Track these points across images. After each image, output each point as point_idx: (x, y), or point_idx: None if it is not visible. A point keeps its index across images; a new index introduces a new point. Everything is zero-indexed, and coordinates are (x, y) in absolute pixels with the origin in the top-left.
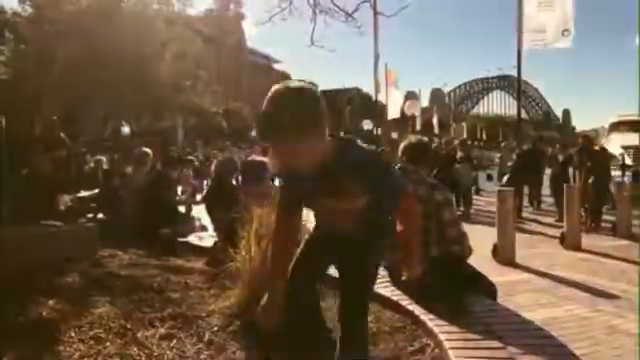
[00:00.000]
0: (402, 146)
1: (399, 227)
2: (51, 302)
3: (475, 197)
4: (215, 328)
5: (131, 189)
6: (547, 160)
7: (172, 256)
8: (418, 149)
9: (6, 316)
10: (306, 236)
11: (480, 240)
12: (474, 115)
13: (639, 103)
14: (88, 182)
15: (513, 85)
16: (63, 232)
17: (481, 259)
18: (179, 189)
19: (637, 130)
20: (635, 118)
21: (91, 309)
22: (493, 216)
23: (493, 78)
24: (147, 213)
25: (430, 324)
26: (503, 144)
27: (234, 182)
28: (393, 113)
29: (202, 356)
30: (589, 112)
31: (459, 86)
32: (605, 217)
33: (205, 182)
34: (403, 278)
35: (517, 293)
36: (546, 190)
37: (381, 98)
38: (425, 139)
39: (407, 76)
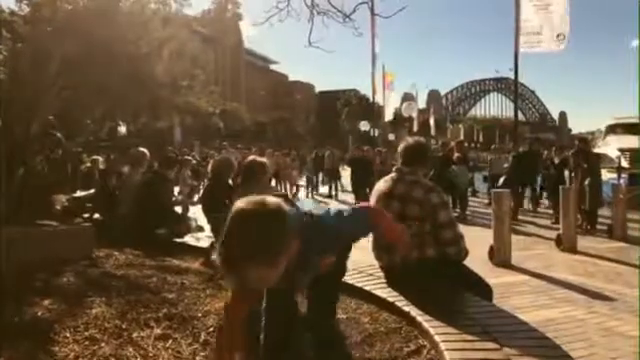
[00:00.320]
0: (400, 147)
1: (385, 235)
2: (46, 302)
3: (471, 199)
4: (211, 329)
5: (127, 189)
6: (543, 162)
7: (168, 256)
8: (415, 151)
9: (1, 316)
10: None
11: (476, 242)
12: (471, 117)
13: (639, 105)
14: (84, 182)
15: (510, 87)
16: (59, 232)
17: (477, 261)
18: (176, 189)
19: (633, 132)
20: (631, 121)
21: (86, 309)
22: (489, 218)
23: (490, 80)
24: (143, 213)
25: (426, 325)
26: (493, 146)
27: (230, 182)
28: (390, 115)
29: (198, 357)
30: (585, 115)
31: (456, 88)
32: (601, 219)
33: (202, 183)
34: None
35: (513, 295)
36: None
37: (378, 99)
38: (423, 140)
39: (404, 78)
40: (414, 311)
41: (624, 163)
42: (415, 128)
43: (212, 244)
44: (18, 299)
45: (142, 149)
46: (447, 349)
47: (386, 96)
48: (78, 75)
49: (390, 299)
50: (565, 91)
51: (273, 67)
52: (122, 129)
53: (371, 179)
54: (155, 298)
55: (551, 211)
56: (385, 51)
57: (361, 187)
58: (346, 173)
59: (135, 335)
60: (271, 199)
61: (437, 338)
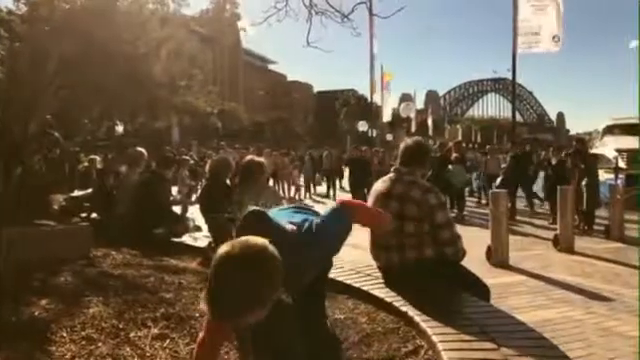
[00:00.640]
0: (400, 147)
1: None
2: (44, 302)
3: (469, 199)
4: None
5: (125, 189)
6: (540, 163)
7: (166, 256)
8: (413, 151)
9: None
10: None
11: (474, 242)
12: (469, 117)
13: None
14: (82, 181)
15: (508, 88)
16: (56, 232)
17: (475, 261)
18: (175, 189)
19: (631, 133)
20: (629, 121)
21: (84, 309)
22: (486, 218)
23: (488, 81)
24: (141, 213)
25: (424, 325)
26: (488, 147)
27: (228, 182)
28: (387, 115)
29: None
30: (583, 115)
31: (454, 88)
32: (598, 220)
33: (200, 183)
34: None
35: (511, 295)
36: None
37: (377, 100)
38: (423, 141)
39: (402, 78)
40: (412, 311)
41: (621, 164)
42: (413, 128)
43: (210, 244)
44: (16, 299)
45: (140, 149)
46: (445, 349)
47: (384, 96)
48: (76, 74)
49: (388, 299)
50: (563, 92)
51: (271, 67)
52: (120, 129)
53: (369, 179)
54: (152, 298)
55: (547, 210)
56: (383, 51)
57: (359, 187)
58: (345, 173)
59: (132, 335)
60: (255, 241)
61: (435, 338)
